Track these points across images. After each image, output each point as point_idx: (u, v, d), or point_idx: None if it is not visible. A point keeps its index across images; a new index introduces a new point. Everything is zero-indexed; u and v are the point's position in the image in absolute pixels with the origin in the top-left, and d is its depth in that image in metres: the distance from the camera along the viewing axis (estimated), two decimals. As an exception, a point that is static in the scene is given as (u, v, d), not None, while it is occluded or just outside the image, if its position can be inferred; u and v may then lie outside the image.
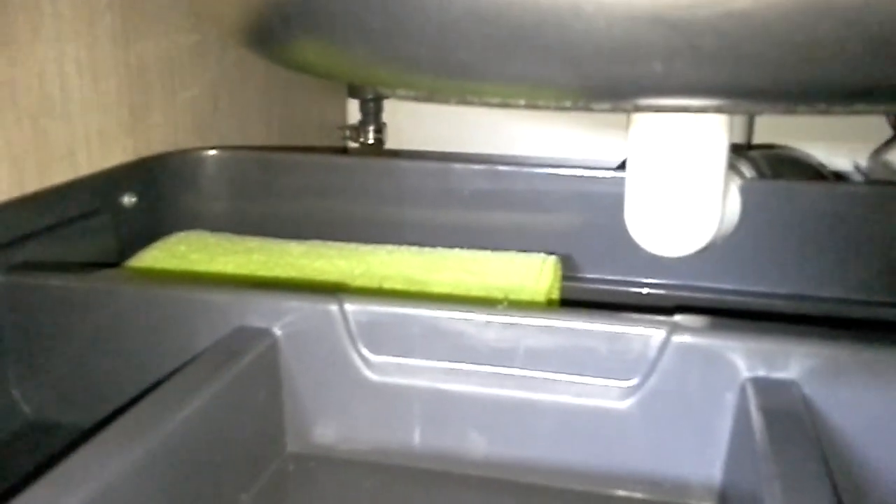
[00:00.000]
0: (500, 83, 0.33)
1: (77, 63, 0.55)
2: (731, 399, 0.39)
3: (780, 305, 0.58)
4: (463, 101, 0.36)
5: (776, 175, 0.62)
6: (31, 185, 0.52)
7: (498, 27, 0.29)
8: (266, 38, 0.40)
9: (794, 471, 0.32)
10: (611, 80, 0.30)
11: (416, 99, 0.38)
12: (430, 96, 0.37)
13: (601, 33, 0.27)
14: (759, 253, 0.58)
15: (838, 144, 0.74)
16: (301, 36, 0.36)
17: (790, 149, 0.68)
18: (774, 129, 0.72)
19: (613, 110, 0.36)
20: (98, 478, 0.31)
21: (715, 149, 0.49)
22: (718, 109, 0.38)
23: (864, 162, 0.73)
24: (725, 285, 0.59)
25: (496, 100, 0.35)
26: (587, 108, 0.35)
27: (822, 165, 0.69)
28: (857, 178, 0.73)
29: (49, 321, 0.47)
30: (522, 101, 0.34)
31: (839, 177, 0.72)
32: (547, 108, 0.36)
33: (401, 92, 0.38)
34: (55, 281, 0.47)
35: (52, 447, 0.46)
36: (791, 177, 0.64)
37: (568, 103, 0.34)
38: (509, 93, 0.34)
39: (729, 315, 0.57)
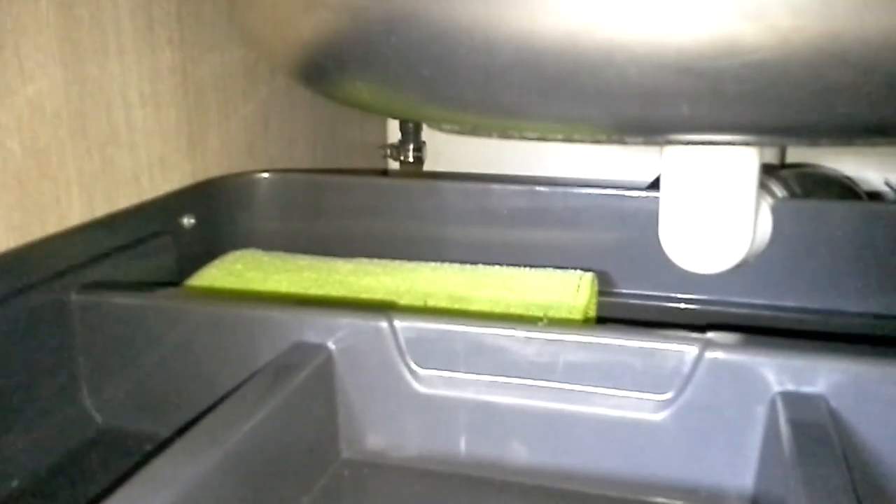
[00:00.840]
0: (540, 122, 0.35)
1: (140, 94, 0.59)
2: (761, 412, 0.41)
3: (810, 321, 0.59)
4: (504, 136, 0.38)
5: (807, 193, 0.64)
6: (101, 209, 0.56)
7: (538, 74, 0.31)
8: (318, 75, 0.44)
9: (819, 481, 0.34)
10: (641, 121, 0.33)
11: (460, 133, 0.41)
12: (474, 131, 0.40)
13: (632, 80, 0.30)
14: (789, 270, 0.60)
15: (869, 160, 0.76)
16: (354, 77, 0.39)
17: (821, 167, 0.70)
18: (806, 147, 0.74)
19: (646, 144, 0.38)
20: (175, 484, 0.34)
21: (746, 171, 0.51)
22: (745, 143, 0.40)
23: (894, 178, 0.74)
24: (757, 301, 0.61)
25: (535, 135, 0.37)
26: (621, 142, 0.38)
27: (853, 182, 0.71)
28: (890, 193, 0.75)
29: (118, 336, 0.51)
30: (560, 137, 0.37)
31: (872, 195, 0.73)
32: (582, 141, 0.39)
33: (446, 127, 0.41)
34: (123, 299, 0.51)
35: (123, 453, 0.50)
36: (821, 195, 0.66)
37: (602, 138, 0.37)
38: (547, 129, 0.36)
39: (760, 330, 0.59)
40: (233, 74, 0.70)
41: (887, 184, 0.76)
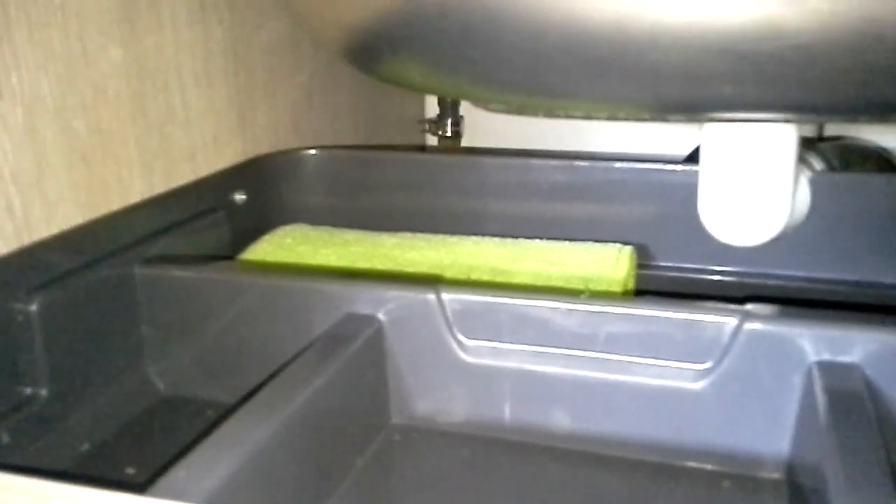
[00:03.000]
0: (585, 102, 0.37)
1: (194, 75, 0.61)
2: (798, 381, 0.43)
3: (847, 292, 0.60)
4: (550, 115, 0.40)
5: (845, 166, 0.64)
6: (160, 186, 0.58)
7: (584, 56, 0.33)
8: (368, 55, 0.45)
9: (854, 448, 0.35)
10: (685, 100, 0.34)
11: (507, 112, 0.43)
12: (521, 110, 0.41)
13: (676, 62, 0.31)
14: (827, 242, 0.61)
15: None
16: (405, 58, 0.41)
17: (859, 140, 0.70)
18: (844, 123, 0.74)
19: (688, 122, 0.39)
20: (242, 447, 0.37)
21: (785, 145, 0.52)
22: (786, 121, 0.41)
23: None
24: (795, 272, 0.62)
25: (580, 113, 0.39)
26: (663, 120, 0.39)
27: (891, 154, 0.71)
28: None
29: (179, 308, 0.54)
30: (605, 115, 0.38)
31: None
32: (626, 119, 0.40)
33: (493, 106, 0.43)
34: (183, 272, 0.54)
35: (184, 419, 0.53)
36: (859, 168, 0.66)
37: (646, 116, 0.38)
38: (593, 108, 0.38)
39: (797, 302, 0.60)
40: (278, 53, 0.72)
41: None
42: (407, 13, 0.37)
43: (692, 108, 0.35)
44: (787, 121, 0.42)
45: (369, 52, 0.44)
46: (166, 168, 0.59)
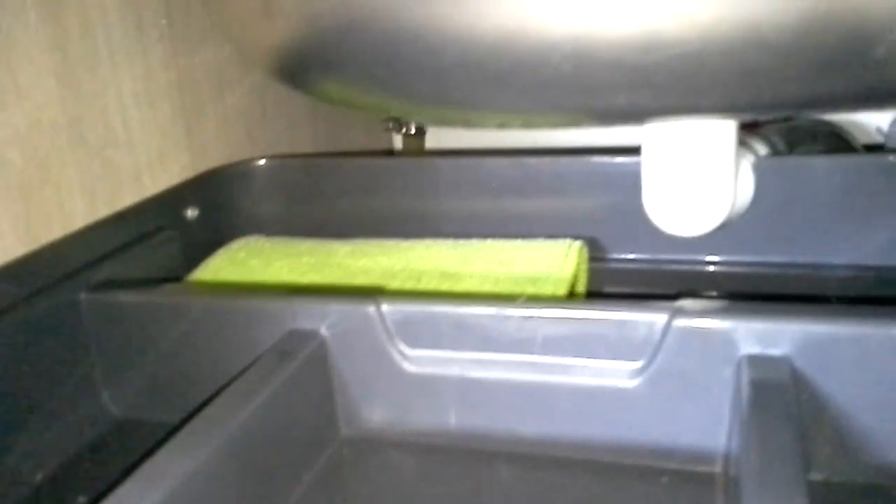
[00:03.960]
0: (492, 113, 0.37)
1: (134, 94, 0.61)
2: (729, 375, 0.43)
3: (797, 275, 0.61)
4: (467, 126, 0.40)
5: (791, 148, 0.64)
6: (104, 210, 0.58)
7: (482, 72, 0.33)
8: (288, 75, 0.45)
9: (769, 437, 0.36)
10: (586, 110, 0.34)
11: (427, 124, 0.43)
12: (438, 122, 0.41)
13: (569, 75, 0.31)
14: (775, 226, 0.61)
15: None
16: (318, 78, 0.41)
17: (806, 118, 0.70)
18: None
19: (604, 126, 0.39)
20: (179, 471, 0.37)
21: (722, 135, 0.52)
22: (699, 118, 0.41)
23: (885, 126, 0.74)
24: (745, 258, 0.63)
25: (494, 124, 0.39)
26: (578, 126, 0.39)
27: (844, 131, 0.71)
28: (880, 138, 0.75)
29: (128, 332, 0.54)
30: (518, 125, 0.39)
31: (868, 146, 0.73)
32: (541, 128, 0.40)
33: (413, 119, 0.43)
34: (129, 297, 0.54)
35: (140, 442, 0.53)
36: (807, 147, 0.66)
37: (559, 124, 0.39)
38: (503, 119, 0.38)
39: (747, 285, 0.61)
40: (225, 63, 0.72)
41: (878, 130, 0.76)
42: (310, 36, 0.37)
43: (596, 117, 0.35)
44: (701, 118, 0.43)
45: (291, 74, 0.44)
46: (110, 191, 0.59)
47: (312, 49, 0.38)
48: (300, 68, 0.42)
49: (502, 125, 0.39)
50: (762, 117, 0.36)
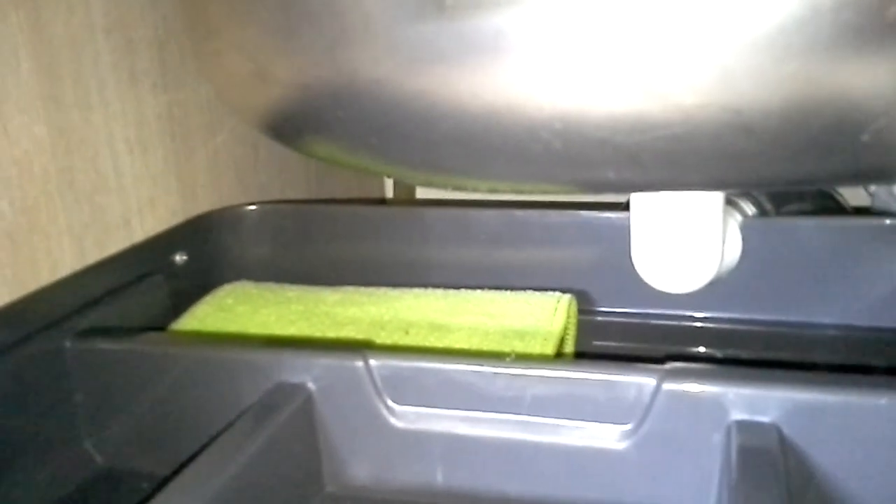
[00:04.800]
0: (483, 181, 0.37)
1: (126, 141, 0.61)
2: (718, 440, 0.43)
3: (783, 333, 0.61)
4: (458, 189, 0.40)
5: (778, 208, 0.65)
6: (92, 256, 0.58)
7: (472, 145, 0.33)
8: (280, 136, 0.46)
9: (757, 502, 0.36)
10: (575, 183, 0.35)
11: (420, 185, 0.43)
12: (429, 185, 0.42)
13: (558, 151, 0.32)
14: (761, 285, 0.61)
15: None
16: (311, 142, 0.41)
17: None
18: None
19: (590, 195, 0.40)
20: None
21: (710, 201, 0.53)
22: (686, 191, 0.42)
23: (872, 186, 0.75)
24: (733, 315, 0.63)
25: (484, 189, 0.39)
26: (568, 195, 0.39)
27: (833, 191, 0.72)
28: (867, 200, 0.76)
29: (113, 380, 0.53)
30: (509, 190, 0.39)
31: (858, 210, 0.74)
32: (532, 194, 0.41)
33: (404, 181, 0.43)
34: (113, 345, 0.53)
35: (123, 491, 0.52)
36: (795, 206, 0.67)
37: (549, 192, 0.39)
38: (493, 187, 0.38)
39: (735, 342, 0.61)
40: (219, 110, 0.72)
41: (866, 190, 0.76)
42: (303, 103, 0.37)
43: (584, 190, 0.36)
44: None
45: (282, 134, 0.44)
46: (98, 237, 0.59)
47: (306, 114, 0.38)
48: (293, 130, 0.42)
49: (492, 190, 0.39)
50: (748, 191, 0.36)
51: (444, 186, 0.41)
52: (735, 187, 0.35)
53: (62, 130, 0.55)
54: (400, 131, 0.34)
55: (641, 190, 0.36)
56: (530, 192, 0.41)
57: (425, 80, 0.32)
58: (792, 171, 0.32)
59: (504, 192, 0.39)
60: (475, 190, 0.40)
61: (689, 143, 0.30)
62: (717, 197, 0.52)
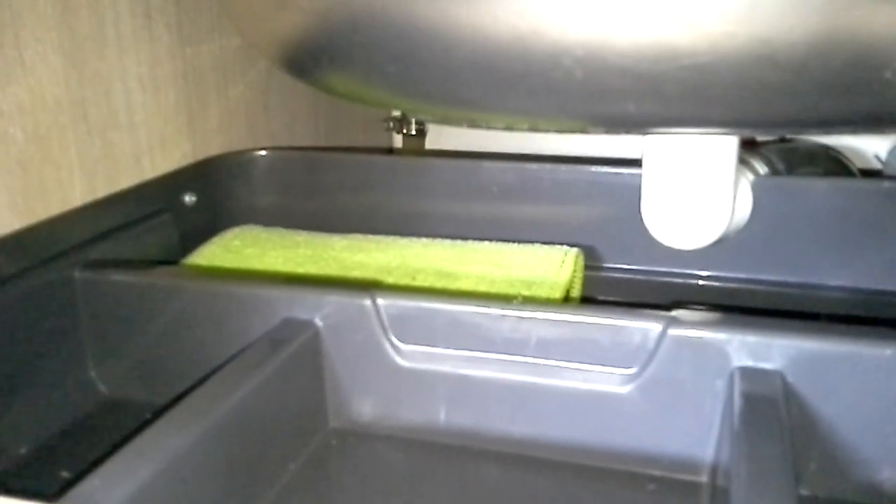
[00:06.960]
0: (500, 114, 0.37)
1: (139, 79, 0.61)
2: (721, 386, 0.43)
3: (790, 295, 0.61)
4: (472, 126, 0.40)
5: (791, 169, 0.65)
6: (103, 190, 0.58)
7: (492, 73, 0.33)
8: (298, 68, 0.45)
9: (760, 450, 0.36)
10: (593, 116, 0.35)
11: (432, 122, 0.43)
12: (443, 121, 0.42)
13: (578, 80, 0.32)
14: (771, 245, 0.61)
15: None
16: (328, 71, 0.41)
17: (806, 140, 0.71)
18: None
19: (609, 134, 0.40)
20: (168, 449, 0.37)
21: (724, 152, 0.53)
22: (703, 132, 0.42)
23: (884, 154, 0.75)
24: (739, 275, 0.63)
25: (500, 125, 0.39)
26: (584, 132, 0.39)
27: (842, 155, 0.71)
28: (879, 166, 0.76)
29: (120, 312, 0.54)
30: (525, 127, 0.39)
31: (865, 172, 0.74)
32: (547, 131, 0.40)
33: (418, 116, 0.43)
34: (122, 277, 0.54)
35: (127, 421, 0.53)
36: (804, 169, 0.67)
37: (565, 129, 0.39)
38: (510, 121, 0.38)
39: (736, 306, 0.61)
40: (231, 54, 0.72)
41: (877, 157, 0.76)
42: (322, 29, 0.37)
43: (602, 124, 0.36)
44: (705, 132, 0.43)
45: (298, 65, 0.44)
46: (109, 172, 0.59)
47: (323, 42, 0.38)
48: (309, 61, 0.42)
49: (508, 127, 0.39)
50: (767, 135, 0.36)
51: (458, 123, 0.41)
52: (754, 128, 0.35)
53: (76, 62, 0.55)
54: (418, 58, 0.34)
55: (660, 126, 0.35)
56: (546, 130, 0.40)
57: (447, 2, 0.32)
58: (813, 108, 0.32)
59: (519, 129, 0.39)
60: (490, 127, 0.40)
61: (713, 73, 0.30)
62: (731, 150, 0.52)
